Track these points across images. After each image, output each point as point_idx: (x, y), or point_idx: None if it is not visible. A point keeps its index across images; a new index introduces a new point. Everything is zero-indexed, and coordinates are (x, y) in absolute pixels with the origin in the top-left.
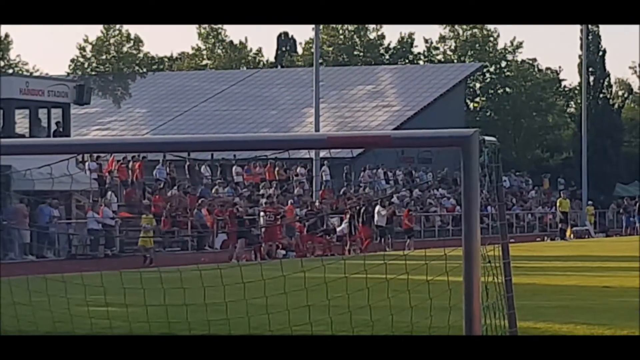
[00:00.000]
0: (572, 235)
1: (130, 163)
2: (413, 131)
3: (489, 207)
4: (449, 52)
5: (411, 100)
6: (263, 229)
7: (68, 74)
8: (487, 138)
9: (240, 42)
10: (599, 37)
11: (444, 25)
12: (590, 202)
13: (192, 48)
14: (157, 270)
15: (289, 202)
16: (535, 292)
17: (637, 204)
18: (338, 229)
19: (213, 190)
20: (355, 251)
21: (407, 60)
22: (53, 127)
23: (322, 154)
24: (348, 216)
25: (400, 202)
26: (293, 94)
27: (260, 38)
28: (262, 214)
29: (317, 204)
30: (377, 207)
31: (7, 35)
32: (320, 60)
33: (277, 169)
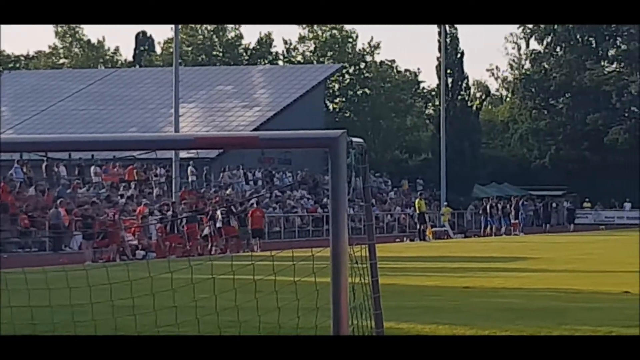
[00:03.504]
0: (431, 236)
1: None
2: (281, 132)
3: (349, 208)
4: (308, 53)
5: (271, 100)
6: (108, 230)
7: None
8: (354, 139)
9: (98, 41)
10: (457, 39)
11: (303, 26)
12: (446, 203)
13: (49, 47)
14: (22, 271)
15: (143, 202)
16: (396, 293)
17: (495, 205)
18: (205, 230)
19: (70, 191)
20: (221, 251)
21: (266, 61)
22: None
23: (182, 154)
24: (207, 217)
25: (261, 203)
26: (153, 94)
27: (118, 37)
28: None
29: (177, 205)
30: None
31: None
32: (180, 60)
33: (136, 170)
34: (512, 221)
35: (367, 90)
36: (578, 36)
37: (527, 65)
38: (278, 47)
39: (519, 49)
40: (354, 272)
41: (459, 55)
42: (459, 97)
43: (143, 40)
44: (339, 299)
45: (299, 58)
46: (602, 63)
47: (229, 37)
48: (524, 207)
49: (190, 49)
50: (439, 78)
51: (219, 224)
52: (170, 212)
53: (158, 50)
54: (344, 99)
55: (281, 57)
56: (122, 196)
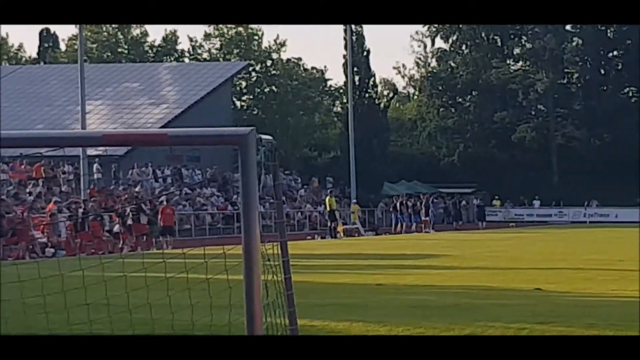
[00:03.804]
0: (342, 233)
1: None
2: (190, 129)
3: (259, 206)
4: (214, 51)
5: (179, 98)
6: (17, 228)
7: None
8: (263, 136)
9: (1, 38)
10: (363, 37)
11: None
12: (355, 201)
13: None
14: None
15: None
16: (309, 290)
17: (405, 203)
18: (115, 228)
19: None
20: (131, 249)
21: (172, 58)
22: None
23: (90, 151)
24: (117, 215)
25: (171, 201)
26: (59, 91)
27: (22, 34)
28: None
29: (87, 202)
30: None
31: None
32: (85, 57)
33: (44, 167)
34: (423, 218)
35: (274, 88)
36: (483, 35)
37: (434, 63)
38: (183, 44)
39: (425, 47)
40: (267, 269)
41: (365, 53)
42: (367, 95)
43: (47, 37)
44: (252, 297)
45: (205, 55)
46: (508, 61)
47: (134, 34)
48: (434, 204)
49: (95, 45)
50: (346, 76)
51: (129, 222)
52: (81, 210)
53: (62, 47)
54: (251, 97)
55: (187, 54)
56: (30, 194)
